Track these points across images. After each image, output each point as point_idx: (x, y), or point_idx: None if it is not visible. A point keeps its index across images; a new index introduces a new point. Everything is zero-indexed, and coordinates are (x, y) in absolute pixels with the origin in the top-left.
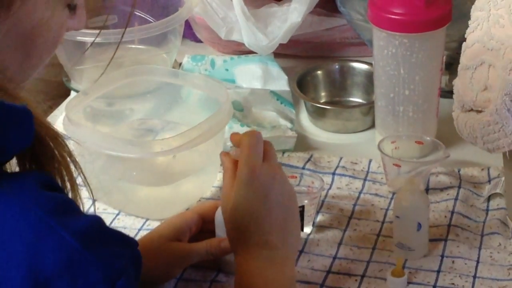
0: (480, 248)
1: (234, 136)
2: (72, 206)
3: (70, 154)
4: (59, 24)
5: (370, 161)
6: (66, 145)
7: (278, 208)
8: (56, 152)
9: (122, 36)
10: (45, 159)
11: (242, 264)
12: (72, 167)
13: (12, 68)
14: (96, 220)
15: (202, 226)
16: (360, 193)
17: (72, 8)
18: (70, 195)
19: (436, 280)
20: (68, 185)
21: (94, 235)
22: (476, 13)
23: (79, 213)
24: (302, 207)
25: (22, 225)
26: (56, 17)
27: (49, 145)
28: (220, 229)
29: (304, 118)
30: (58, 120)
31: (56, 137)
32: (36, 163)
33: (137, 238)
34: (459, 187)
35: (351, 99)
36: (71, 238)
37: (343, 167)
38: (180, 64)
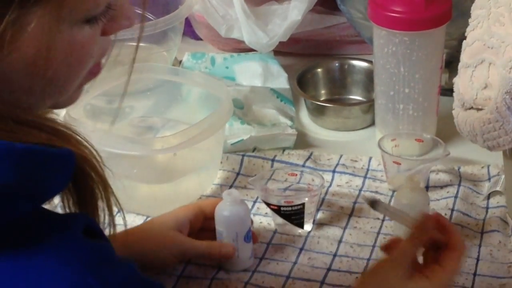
0: (480, 246)
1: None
2: (110, 255)
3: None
4: (81, 43)
5: (370, 158)
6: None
7: None
8: (97, 186)
9: (140, 36)
10: (86, 192)
11: None
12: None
13: (42, 99)
14: (130, 271)
15: (203, 223)
16: (360, 190)
17: (94, 21)
18: (107, 221)
19: None
20: (106, 215)
21: None
22: (476, 11)
23: (115, 262)
24: (302, 204)
25: (60, 280)
26: (71, 38)
27: (90, 180)
28: (220, 225)
29: (304, 116)
30: (59, 118)
31: (96, 168)
32: (77, 195)
33: None
34: (459, 185)
35: (351, 97)
36: None
37: (343, 164)
38: (180, 61)
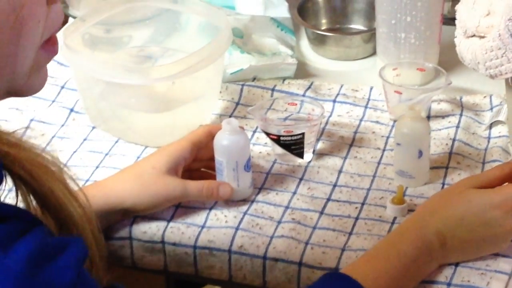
0: None
1: None
2: (14, 233)
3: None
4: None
5: (371, 88)
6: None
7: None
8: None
9: None
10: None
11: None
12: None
13: None
14: (38, 238)
15: (196, 154)
16: (360, 120)
17: None
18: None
19: None
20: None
21: (36, 256)
22: None
23: (20, 236)
24: (302, 134)
25: None
26: None
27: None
28: (220, 154)
29: (305, 45)
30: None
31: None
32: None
33: None
34: (461, 114)
35: (352, 26)
36: (16, 265)
37: (344, 94)
38: None
